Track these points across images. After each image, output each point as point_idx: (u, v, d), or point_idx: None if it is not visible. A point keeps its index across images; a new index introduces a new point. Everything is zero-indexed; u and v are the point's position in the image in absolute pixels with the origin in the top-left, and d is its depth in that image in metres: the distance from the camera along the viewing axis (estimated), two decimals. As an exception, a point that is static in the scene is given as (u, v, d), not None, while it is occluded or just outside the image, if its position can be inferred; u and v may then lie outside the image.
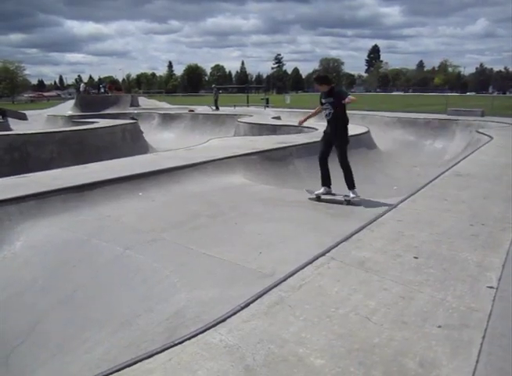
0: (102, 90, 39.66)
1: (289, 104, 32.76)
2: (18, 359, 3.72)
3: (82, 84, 41.79)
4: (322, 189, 6.53)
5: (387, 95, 74.38)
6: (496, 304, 3.05)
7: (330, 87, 6.12)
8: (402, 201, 5.81)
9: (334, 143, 6.26)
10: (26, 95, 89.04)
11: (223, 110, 27.92)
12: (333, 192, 6.51)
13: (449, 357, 2.45)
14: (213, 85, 33.13)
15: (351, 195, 6.19)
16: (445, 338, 2.63)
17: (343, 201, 6.20)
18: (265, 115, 22.12)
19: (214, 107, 28.46)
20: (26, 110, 34.03)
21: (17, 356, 3.75)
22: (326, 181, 6.52)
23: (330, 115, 6.13)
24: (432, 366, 2.39)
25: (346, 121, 6.19)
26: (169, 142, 19.80)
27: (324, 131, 6.45)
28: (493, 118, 17.85)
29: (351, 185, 6.23)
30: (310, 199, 6.53)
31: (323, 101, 6.18)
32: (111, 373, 2.45)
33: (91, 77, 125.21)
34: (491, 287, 3.29)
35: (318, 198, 6.49)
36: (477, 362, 2.42)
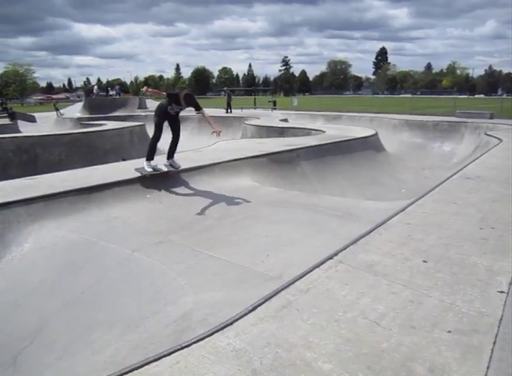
0: (113, 93, 39.84)
1: (296, 106, 32.75)
2: (25, 360, 3.73)
3: (95, 87, 42.06)
4: (150, 163, 7.49)
5: (395, 97, 74.12)
6: (507, 309, 3.00)
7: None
8: (410, 204, 5.76)
9: (175, 129, 7.79)
10: (35, 97, 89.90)
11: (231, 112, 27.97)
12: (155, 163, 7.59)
13: (459, 363, 2.42)
14: (225, 88, 32.76)
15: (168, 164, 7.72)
16: (455, 344, 2.60)
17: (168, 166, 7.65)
18: (273, 117, 22.16)
19: (229, 110, 28.10)
20: (35, 112, 34.33)
21: (25, 357, 3.77)
22: (153, 156, 7.62)
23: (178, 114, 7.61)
24: (442, 372, 2.35)
25: None
26: (176, 144, 19.81)
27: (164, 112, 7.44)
28: (502, 121, 17.71)
29: (171, 155, 7.82)
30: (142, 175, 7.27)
31: (177, 107, 7.38)
32: (119, 375, 2.45)
33: (99, 80, 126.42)
34: (501, 292, 3.25)
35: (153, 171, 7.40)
36: (487, 368, 2.38)
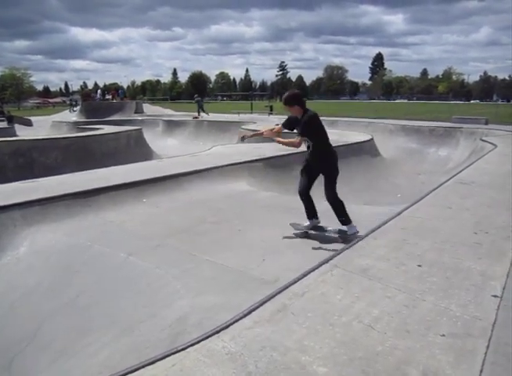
0: (110, 97, 39.91)
1: (293, 111, 32.70)
2: (21, 363, 3.73)
3: (99, 91, 42.14)
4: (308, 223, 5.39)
5: (391, 102, 74.42)
6: (500, 313, 3.03)
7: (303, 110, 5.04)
8: (405, 209, 5.79)
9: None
10: (31, 101, 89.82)
11: (227, 117, 28.02)
12: (321, 224, 5.42)
13: (453, 366, 2.44)
14: (195, 95, 32.51)
15: (347, 230, 5.16)
16: (449, 347, 2.62)
17: (337, 238, 5.20)
18: (269, 122, 22.18)
19: (205, 114, 28.66)
20: (31, 116, 34.29)
21: (20, 360, 3.76)
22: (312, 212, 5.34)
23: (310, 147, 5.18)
24: (436, 375, 2.37)
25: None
26: (173, 148, 19.86)
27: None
28: (497, 126, 17.82)
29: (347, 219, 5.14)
30: (295, 234, 5.46)
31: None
32: (114, 379, 2.45)
33: (96, 84, 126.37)
34: (495, 296, 3.27)
35: (306, 233, 5.42)
36: (481, 371, 2.40)
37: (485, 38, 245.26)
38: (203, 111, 29.02)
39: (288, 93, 5.10)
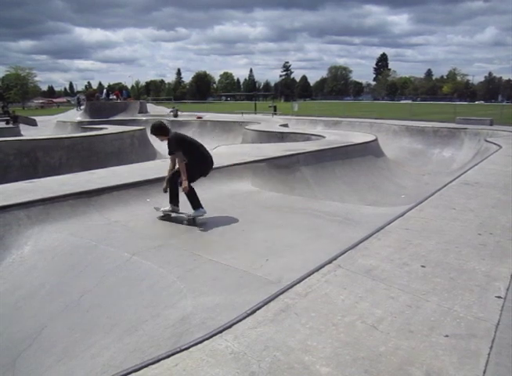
0: (114, 97, 40.08)
1: (296, 112, 32.80)
2: (24, 363, 3.74)
3: (104, 91, 42.31)
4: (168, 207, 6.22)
5: (395, 103, 74.27)
6: (504, 314, 3.02)
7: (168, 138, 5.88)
8: (409, 210, 5.78)
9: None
10: (36, 101, 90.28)
11: (230, 117, 28.03)
12: (180, 211, 6.17)
13: (456, 367, 2.43)
14: (173, 107, 32.71)
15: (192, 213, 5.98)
16: (452, 348, 2.61)
17: (184, 221, 6.00)
18: (273, 123, 22.19)
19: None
20: (36, 115, 34.42)
21: (24, 360, 3.77)
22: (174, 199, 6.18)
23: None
24: (439, 376, 2.37)
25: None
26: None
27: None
28: (502, 127, 17.77)
29: (196, 205, 5.96)
30: (159, 218, 6.18)
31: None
32: (117, 378, 2.46)
33: (100, 84, 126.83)
34: (499, 297, 3.26)
35: (168, 216, 6.20)
36: (484, 372, 2.39)
37: (490, 39, 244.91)
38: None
39: (152, 126, 6.01)
